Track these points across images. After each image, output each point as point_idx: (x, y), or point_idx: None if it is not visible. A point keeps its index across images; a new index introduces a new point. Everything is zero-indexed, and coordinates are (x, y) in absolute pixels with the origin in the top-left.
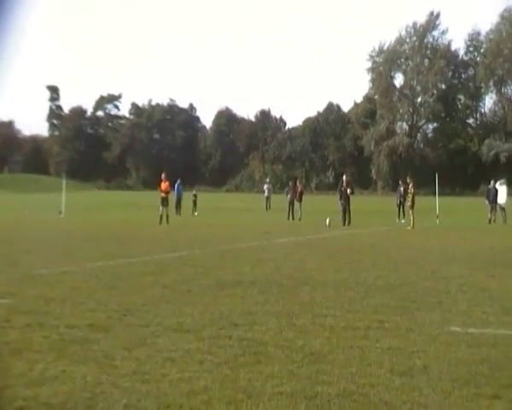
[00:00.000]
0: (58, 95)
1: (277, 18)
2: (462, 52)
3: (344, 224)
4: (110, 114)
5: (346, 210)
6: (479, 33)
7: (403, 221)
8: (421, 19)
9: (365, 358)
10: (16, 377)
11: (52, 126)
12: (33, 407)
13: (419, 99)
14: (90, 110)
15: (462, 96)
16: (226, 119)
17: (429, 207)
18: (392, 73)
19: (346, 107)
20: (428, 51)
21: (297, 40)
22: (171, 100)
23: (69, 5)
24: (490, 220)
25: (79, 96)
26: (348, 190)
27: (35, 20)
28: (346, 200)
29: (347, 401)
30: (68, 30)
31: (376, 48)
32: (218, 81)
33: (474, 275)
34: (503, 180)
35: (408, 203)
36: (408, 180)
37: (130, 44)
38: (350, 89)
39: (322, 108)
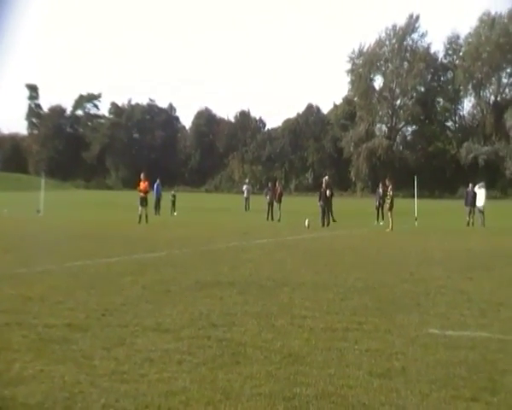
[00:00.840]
0: (37, 93)
1: (257, 20)
2: (441, 55)
3: (323, 225)
4: (90, 114)
5: (325, 212)
6: (458, 37)
7: (382, 223)
8: (401, 21)
9: (344, 359)
10: None
11: (31, 125)
12: (10, 407)
13: (398, 101)
14: (69, 109)
15: (441, 99)
16: (206, 119)
17: (408, 209)
18: (371, 76)
19: (325, 108)
20: (408, 54)
21: (277, 41)
22: (151, 100)
23: (50, 3)
24: (468, 223)
25: (59, 95)
26: (327, 192)
27: (14, 18)
28: (325, 202)
29: (326, 403)
30: (49, 28)
31: (356, 50)
32: (198, 81)
33: (453, 277)
34: (481, 183)
35: (387, 205)
36: (387, 182)
37: (110, 43)
38: (329, 90)
39: (301, 109)
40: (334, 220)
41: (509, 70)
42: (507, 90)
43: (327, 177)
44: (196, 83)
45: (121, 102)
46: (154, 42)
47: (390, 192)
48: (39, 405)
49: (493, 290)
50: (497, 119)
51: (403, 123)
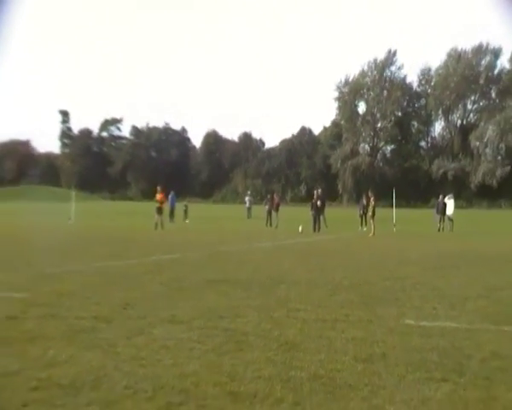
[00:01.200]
0: (68, 118)
1: (259, 52)
2: (415, 84)
3: (314, 231)
4: (113, 135)
5: (316, 219)
6: (429, 69)
7: (365, 229)
8: (381, 55)
9: (332, 346)
10: (32, 361)
11: (63, 145)
12: (46, 386)
13: (379, 124)
14: (96, 131)
15: (415, 123)
16: (213, 139)
17: (387, 217)
18: (355, 102)
19: (316, 130)
20: (387, 83)
21: (274, 73)
22: (166, 123)
23: (77, 39)
24: (439, 229)
25: (87, 119)
26: (318, 203)
27: (50, 53)
28: (316, 211)
29: (317, 384)
30: (78, 62)
31: (343, 80)
32: (207, 107)
33: (426, 275)
34: (450, 195)
35: (369, 213)
36: (369, 194)
37: (131, 74)
38: (320, 115)
39: (296, 131)
40: (326, 226)
41: (473, 98)
42: (471, 115)
43: (320, 190)
44: (205, 108)
45: (140, 125)
46: (171, 72)
47: (372, 202)
48: (70, 385)
49: (461, 286)
50: (463, 139)
51: (383, 143)
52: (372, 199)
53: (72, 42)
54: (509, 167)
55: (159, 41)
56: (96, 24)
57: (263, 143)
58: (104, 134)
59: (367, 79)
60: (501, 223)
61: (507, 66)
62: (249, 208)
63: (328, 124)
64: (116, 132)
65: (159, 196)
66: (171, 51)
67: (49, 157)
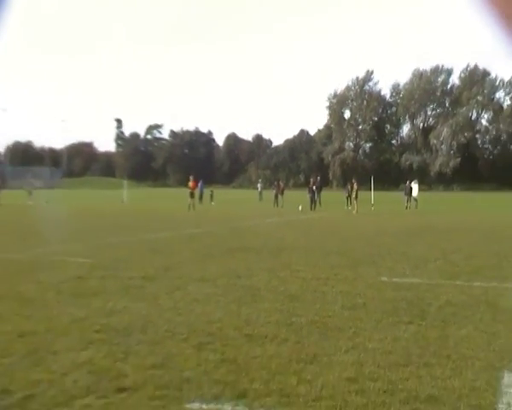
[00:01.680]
0: (121, 124)
1: (270, 72)
2: (388, 96)
3: (311, 209)
4: (156, 137)
5: (312, 200)
6: (399, 84)
7: (349, 208)
8: (362, 74)
9: (325, 298)
10: (95, 310)
11: (117, 146)
12: (106, 330)
13: (360, 127)
14: (142, 135)
15: (388, 125)
16: (232, 140)
17: (367, 198)
18: (342, 110)
19: (312, 132)
20: (366, 96)
21: (281, 88)
22: (196, 127)
23: (129, 63)
24: (406, 207)
25: (135, 125)
26: (314, 188)
27: (108, 73)
28: (312, 194)
29: (313, 328)
30: (129, 78)
31: (332, 93)
32: (228, 114)
33: (397, 243)
34: (415, 180)
35: (353, 196)
36: (353, 181)
37: (169, 88)
38: (315, 119)
39: (296, 132)
40: (320, 205)
41: (431, 106)
42: (430, 120)
43: (318, 177)
44: (226, 115)
45: (176, 129)
46: (198, 87)
47: (355, 187)
48: (124, 329)
49: (423, 251)
50: (424, 138)
51: (363, 141)
52: (355, 185)
53: (125, 65)
54: (459, 159)
55: (190, 64)
56: (142, 49)
57: (271, 142)
58: (149, 137)
59: (351, 92)
60: (453, 203)
61: (457, 82)
62: (260, 193)
63: (321, 127)
64: (158, 135)
65: (191, 184)
66: (200, 70)
67: (106, 155)
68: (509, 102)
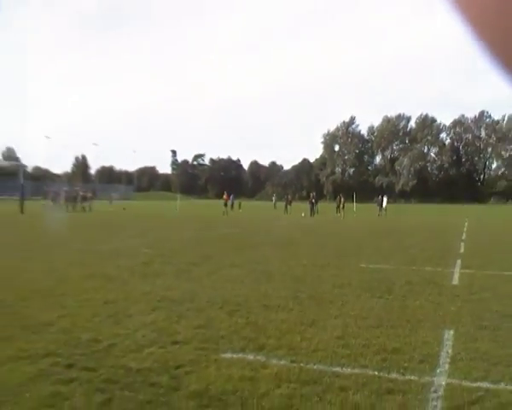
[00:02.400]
0: (176, 153)
1: (282, 117)
2: (366, 135)
3: (311, 215)
4: (200, 163)
5: (311, 209)
6: (373, 127)
7: (338, 215)
8: (347, 118)
9: (321, 279)
10: (157, 286)
11: (172, 169)
12: (165, 300)
13: (346, 157)
14: (190, 161)
15: (366, 156)
16: (255, 166)
17: (350, 208)
18: (333, 145)
19: (312, 160)
20: (350, 134)
21: (291, 129)
22: (229, 156)
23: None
24: (378, 215)
25: (185, 154)
26: (313, 200)
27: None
28: (311, 204)
29: (312, 301)
30: (183, 119)
31: (326, 132)
32: (251, 147)
33: (371, 239)
34: (385, 195)
35: (341, 206)
36: (340, 195)
37: (209, 126)
38: (314, 151)
39: (300, 160)
40: (317, 213)
41: (396, 143)
42: (395, 152)
43: (314, 193)
44: (250, 148)
45: (214, 157)
46: (231, 125)
47: (342, 200)
48: (178, 300)
49: (389, 245)
50: (391, 165)
51: (348, 167)
52: (342, 198)
53: (178, 111)
54: (415, 181)
55: (224, 111)
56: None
57: (282, 167)
58: (195, 162)
59: (339, 132)
60: (411, 212)
61: (414, 126)
62: (275, 203)
63: (318, 156)
64: (201, 162)
65: (225, 197)
66: (234, 117)
67: (165, 176)
68: (449, 141)
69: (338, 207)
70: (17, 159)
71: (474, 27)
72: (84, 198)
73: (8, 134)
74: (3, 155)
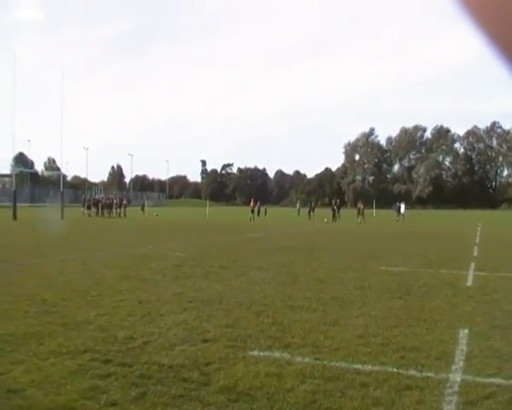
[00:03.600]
0: (205, 163)
1: (308, 128)
2: (384, 145)
3: (333, 221)
4: (228, 172)
5: (334, 215)
6: (391, 137)
7: (359, 220)
8: (367, 129)
9: (343, 281)
10: (188, 288)
11: (202, 178)
12: (195, 301)
13: (366, 166)
14: (219, 170)
15: (384, 164)
16: (280, 174)
17: (370, 214)
18: (353, 154)
19: (334, 168)
20: (370, 145)
21: (315, 141)
22: (255, 165)
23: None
24: (396, 220)
25: (214, 164)
26: (335, 207)
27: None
28: (333, 211)
29: (334, 301)
30: (213, 132)
31: (347, 142)
32: (277, 157)
33: (391, 244)
34: (403, 201)
35: (361, 212)
36: (361, 202)
37: (238, 139)
38: (336, 160)
39: (323, 169)
40: (339, 218)
41: (413, 152)
42: (412, 161)
43: (338, 200)
44: (276, 158)
45: (242, 166)
46: (258, 139)
47: (362, 206)
48: (207, 300)
49: (409, 249)
50: (408, 174)
51: (368, 175)
52: (362, 205)
53: (209, 124)
54: (431, 188)
55: (251, 123)
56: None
57: (306, 176)
58: (223, 172)
59: (359, 142)
60: (427, 217)
61: (429, 136)
62: (299, 210)
63: (339, 165)
64: (229, 171)
65: (252, 204)
66: (262, 120)
67: (195, 184)
68: (462, 150)
69: (358, 212)
70: (58, 169)
71: (478, 21)
72: (119, 205)
73: (50, 145)
74: (45, 165)
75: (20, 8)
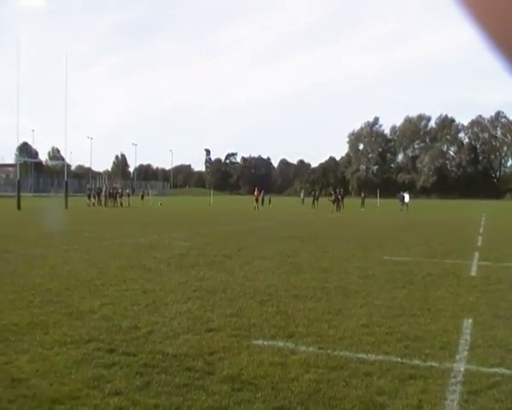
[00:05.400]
0: (209, 153)
1: (312, 117)
2: (388, 134)
3: (337, 210)
4: (232, 162)
5: (338, 204)
6: (395, 126)
7: (362, 209)
8: (371, 119)
9: (347, 271)
10: (192, 277)
11: (206, 167)
12: (199, 290)
13: (370, 155)
14: (223, 159)
15: (388, 154)
16: (283, 163)
17: (374, 203)
18: (357, 144)
19: (338, 158)
20: (374, 134)
21: (320, 131)
22: (259, 155)
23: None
24: (400, 209)
25: (218, 153)
26: (339, 196)
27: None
28: (336, 200)
29: (339, 290)
30: (216, 121)
31: (351, 132)
32: (281, 145)
33: (394, 233)
34: (406, 191)
35: (364, 201)
36: (363, 192)
37: (242, 129)
38: (340, 149)
39: (327, 158)
40: (343, 208)
41: (417, 142)
42: (416, 151)
43: (342, 189)
44: (280, 146)
45: (246, 155)
46: (263, 128)
47: (363, 195)
48: (211, 290)
49: (411, 238)
50: (412, 163)
51: (372, 165)
52: (363, 194)
53: (213, 113)
54: (435, 177)
55: (257, 112)
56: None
57: (310, 165)
58: (227, 161)
59: (364, 131)
60: (431, 207)
61: (434, 126)
62: (303, 199)
63: (343, 155)
64: (233, 160)
65: (256, 193)
66: (266, 109)
67: (199, 173)
68: (467, 140)
69: (362, 202)
70: (62, 158)
71: (476, 18)
72: (121, 194)
73: (54, 135)
74: (49, 154)
75: None
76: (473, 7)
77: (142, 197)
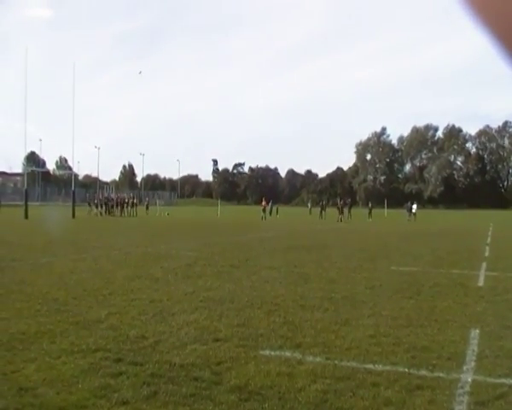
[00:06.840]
0: (217, 163)
1: (321, 131)
2: (396, 144)
3: (340, 221)
4: (239, 172)
5: (343, 212)
6: (403, 136)
7: (370, 220)
8: (378, 129)
9: (354, 281)
10: (199, 287)
11: (214, 177)
12: (207, 300)
13: (377, 165)
14: (230, 169)
15: (395, 164)
16: (291, 173)
17: (381, 213)
18: (365, 154)
19: (345, 168)
20: (381, 144)
21: (327, 142)
22: (267, 165)
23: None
24: (408, 220)
25: (226, 163)
26: (346, 203)
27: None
28: (341, 210)
29: (346, 301)
30: (223, 131)
31: (358, 142)
32: (289, 156)
33: (402, 243)
34: (414, 201)
35: (371, 211)
36: (370, 202)
37: (249, 141)
38: (347, 160)
39: (334, 168)
40: (350, 218)
41: (424, 152)
42: (424, 161)
43: (349, 199)
44: (287, 157)
45: (253, 165)
46: (270, 139)
47: (371, 205)
48: (219, 300)
49: (418, 248)
50: (420, 173)
51: (379, 175)
52: (371, 204)
53: (219, 125)
54: (443, 188)
55: (263, 122)
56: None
57: (317, 175)
58: (235, 171)
59: (371, 141)
60: (439, 217)
61: (441, 136)
62: (310, 209)
63: (351, 165)
64: (241, 170)
65: (263, 203)
66: (273, 119)
67: (207, 183)
68: (474, 150)
69: (369, 212)
70: (69, 168)
71: (481, 16)
72: (135, 203)
73: (62, 145)
74: (57, 164)
75: (28, 4)
76: (476, 5)
77: (147, 207)
